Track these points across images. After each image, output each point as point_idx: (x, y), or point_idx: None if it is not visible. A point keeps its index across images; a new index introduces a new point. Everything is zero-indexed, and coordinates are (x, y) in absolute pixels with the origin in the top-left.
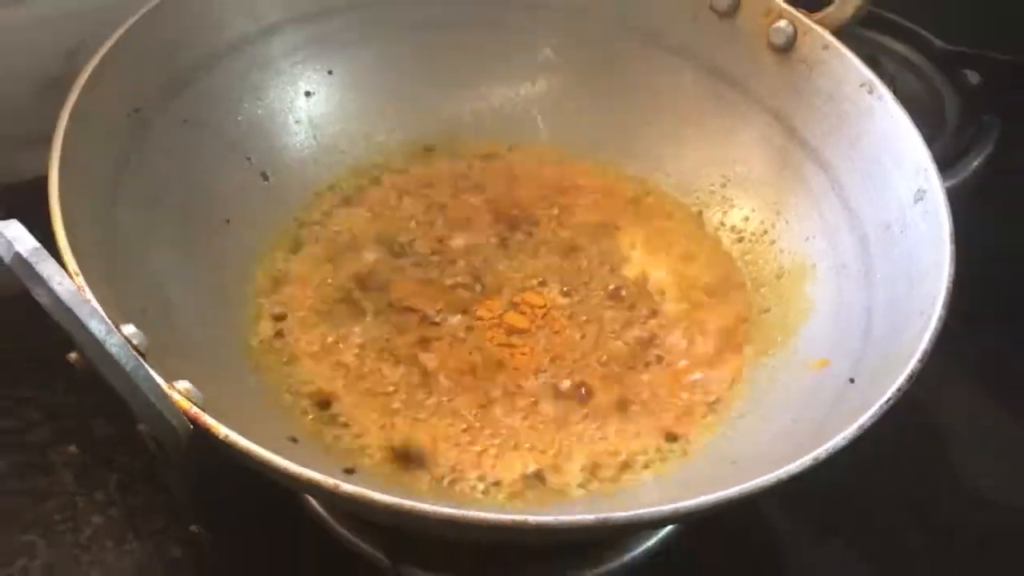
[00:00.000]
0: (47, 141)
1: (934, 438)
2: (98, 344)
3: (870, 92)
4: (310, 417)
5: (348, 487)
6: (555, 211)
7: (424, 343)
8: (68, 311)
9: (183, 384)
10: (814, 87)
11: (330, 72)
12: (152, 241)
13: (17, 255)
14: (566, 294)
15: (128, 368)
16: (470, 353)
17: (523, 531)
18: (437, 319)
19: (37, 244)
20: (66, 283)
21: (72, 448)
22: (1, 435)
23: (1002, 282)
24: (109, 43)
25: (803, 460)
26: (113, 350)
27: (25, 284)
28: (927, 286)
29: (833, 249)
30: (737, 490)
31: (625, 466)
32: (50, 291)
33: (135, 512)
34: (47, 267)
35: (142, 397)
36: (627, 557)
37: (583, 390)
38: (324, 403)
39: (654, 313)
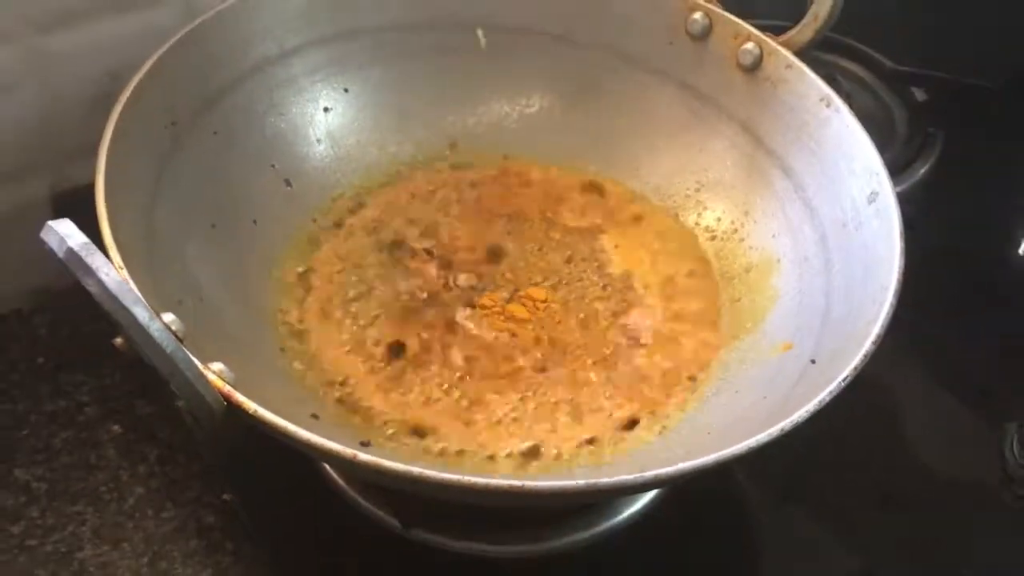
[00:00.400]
0: (94, 153)
1: (884, 415)
2: (141, 329)
3: (828, 106)
4: (330, 397)
5: (365, 456)
6: (547, 216)
7: (435, 331)
8: (114, 299)
9: (217, 365)
10: (778, 101)
11: (346, 90)
12: (187, 240)
13: (69, 249)
14: (558, 289)
15: (168, 350)
16: (477, 340)
17: (519, 495)
18: (446, 310)
19: (86, 239)
20: (112, 274)
21: (116, 427)
22: (55, 415)
23: (946, 275)
24: (147, 65)
25: (770, 431)
26: (155, 334)
27: (76, 275)
28: (880, 277)
29: (796, 245)
30: (712, 458)
31: (613, 440)
32: (99, 281)
33: (173, 483)
34: (96, 259)
35: (180, 376)
36: (613, 522)
37: (576, 373)
38: (342, 384)
39: (637, 304)
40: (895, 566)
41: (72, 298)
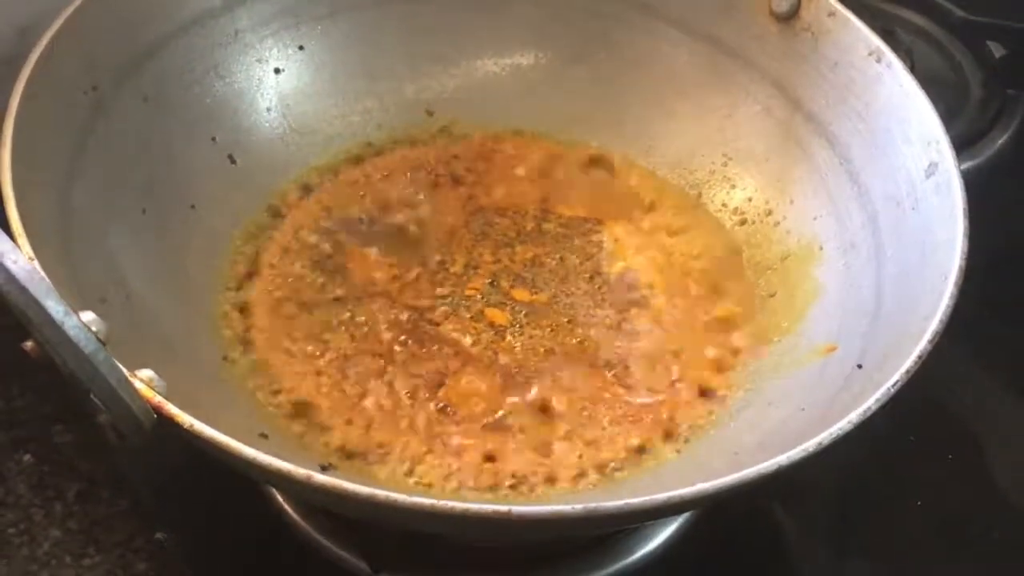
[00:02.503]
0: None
1: (951, 434)
2: (55, 325)
3: (878, 60)
4: (281, 414)
5: (321, 478)
6: (539, 201)
7: (403, 342)
8: (23, 290)
9: (146, 372)
10: (819, 56)
11: (301, 47)
12: (112, 226)
13: None
14: (548, 290)
15: (87, 351)
16: (451, 350)
17: (505, 524)
18: (417, 315)
19: None
20: (21, 260)
21: (27, 457)
22: None
23: (1009, 269)
24: (62, 18)
25: (805, 446)
26: (71, 332)
27: None
28: (939, 264)
29: (841, 228)
30: (733, 478)
31: (622, 462)
32: (3, 269)
33: (96, 523)
34: (0, 244)
35: (102, 383)
36: (621, 565)
37: (575, 391)
38: (296, 400)
39: (645, 306)
40: None
41: None
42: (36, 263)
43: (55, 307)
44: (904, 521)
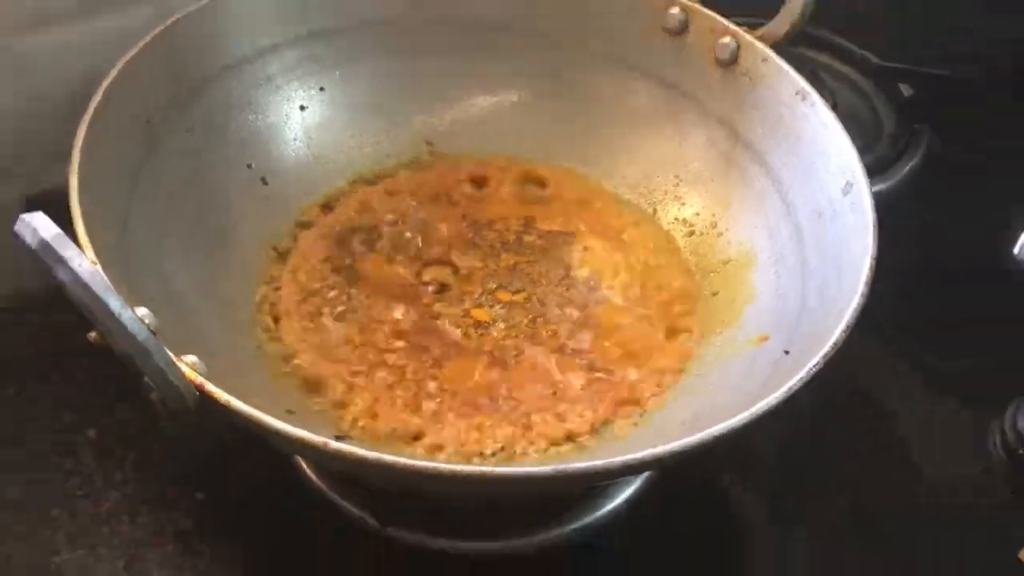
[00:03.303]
0: (70, 156)
1: (869, 416)
2: (114, 318)
3: (803, 99)
4: (306, 396)
5: (336, 444)
6: (522, 214)
7: (408, 334)
8: (87, 288)
9: (190, 357)
10: (755, 96)
11: (322, 89)
12: (164, 239)
13: (42, 240)
14: (526, 291)
15: (141, 338)
16: (448, 343)
17: (490, 482)
18: (419, 312)
19: (59, 230)
20: (85, 264)
21: (92, 432)
22: (32, 421)
23: (931, 273)
24: (119, 65)
25: (740, 417)
26: (127, 323)
27: (49, 267)
28: (853, 269)
29: (773, 238)
30: (680, 444)
31: (591, 433)
32: (71, 271)
33: (148, 487)
34: (68, 250)
35: (153, 366)
36: (588, 520)
37: (549, 374)
38: (315, 384)
39: (608, 302)
40: (877, 559)
41: (47, 302)
42: (98, 266)
43: (113, 302)
44: (831, 486)
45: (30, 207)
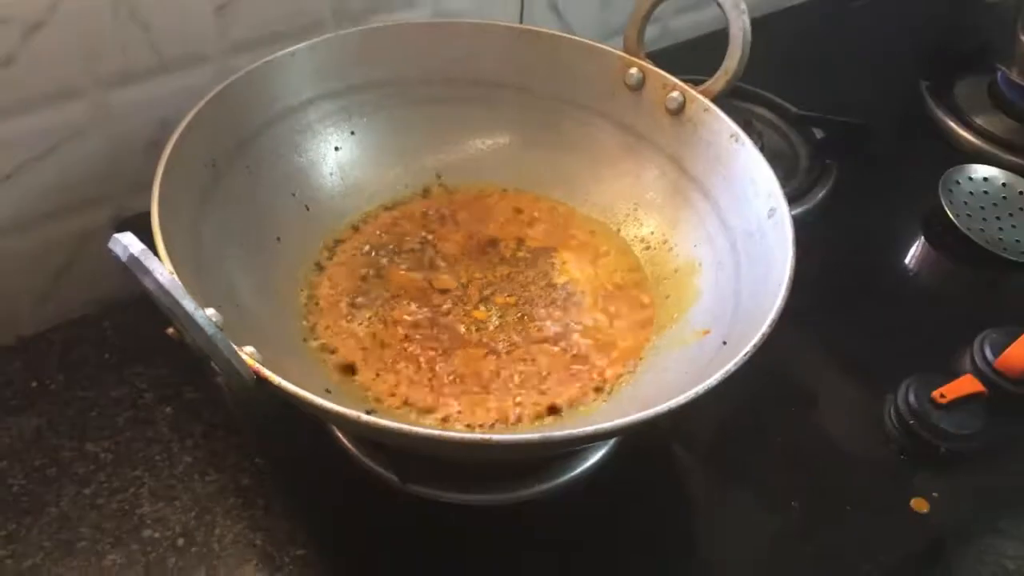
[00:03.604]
0: (151, 187)
1: (790, 394)
2: (189, 316)
3: (736, 141)
4: (342, 378)
5: (368, 417)
6: (513, 233)
7: (421, 328)
8: (168, 294)
9: (248, 348)
10: (698, 138)
11: (353, 133)
12: (226, 254)
13: (131, 255)
14: (517, 295)
15: (210, 333)
16: (453, 335)
17: (489, 447)
18: (430, 311)
19: (144, 247)
20: (166, 274)
21: (168, 409)
22: (119, 400)
23: (840, 279)
24: (189, 116)
25: (686, 394)
26: (200, 320)
27: (137, 276)
28: (777, 275)
29: (713, 252)
30: (640, 415)
31: (568, 407)
32: (155, 280)
33: (215, 453)
34: (152, 263)
35: (220, 355)
36: (569, 476)
37: (534, 361)
38: (348, 369)
39: (582, 304)
40: (798, 508)
41: (132, 306)
42: (175, 276)
43: (189, 304)
44: (764, 452)
45: (118, 228)
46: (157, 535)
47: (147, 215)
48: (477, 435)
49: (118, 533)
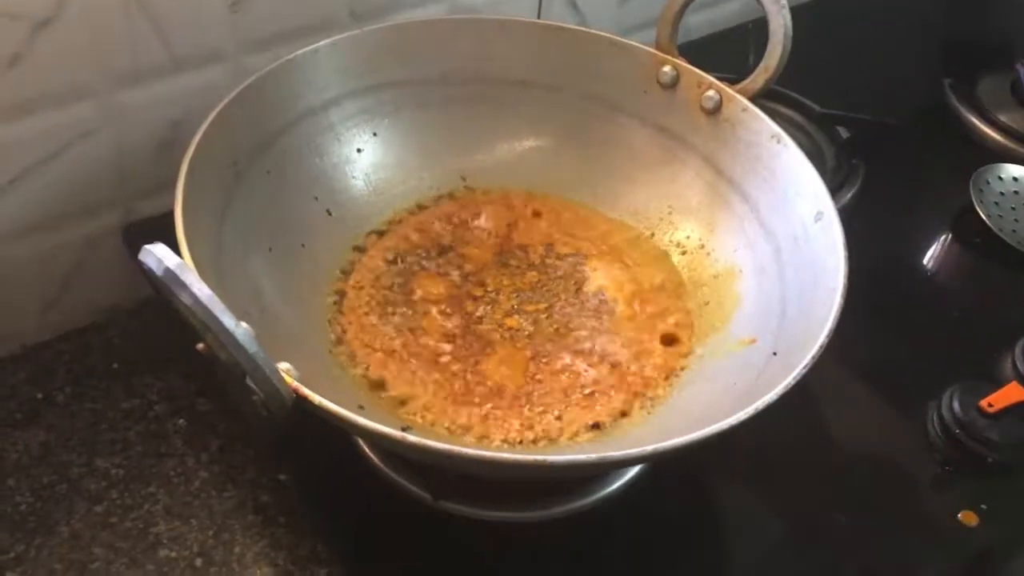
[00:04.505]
0: (159, 190)
1: (820, 400)
2: (229, 334)
3: (778, 142)
4: (369, 390)
5: (412, 438)
6: (541, 239)
7: (453, 337)
8: (206, 310)
9: (284, 365)
10: (736, 139)
11: (375, 134)
12: (249, 261)
13: (167, 268)
14: (546, 302)
15: (251, 351)
16: (483, 342)
17: (541, 468)
18: (462, 320)
19: (180, 260)
20: (204, 289)
21: (182, 421)
22: (129, 412)
23: (870, 282)
24: (211, 116)
25: (746, 410)
26: (240, 339)
27: (171, 290)
28: (828, 282)
29: (754, 257)
30: (698, 435)
31: (612, 422)
32: (192, 295)
33: (232, 468)
34: (189, 277)
35: (260, 373)
36: (604, 493)
37: (572, 372)
38: (378, 382)
39: (618, 312)
40: (841, 524)
41: (140, 313)
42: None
43: (228, 321)
44: (800, 466)
45: (125, 235)
46: (174, 555)
47: (156, 219)
48: (531, 456)
49: (133, 553)
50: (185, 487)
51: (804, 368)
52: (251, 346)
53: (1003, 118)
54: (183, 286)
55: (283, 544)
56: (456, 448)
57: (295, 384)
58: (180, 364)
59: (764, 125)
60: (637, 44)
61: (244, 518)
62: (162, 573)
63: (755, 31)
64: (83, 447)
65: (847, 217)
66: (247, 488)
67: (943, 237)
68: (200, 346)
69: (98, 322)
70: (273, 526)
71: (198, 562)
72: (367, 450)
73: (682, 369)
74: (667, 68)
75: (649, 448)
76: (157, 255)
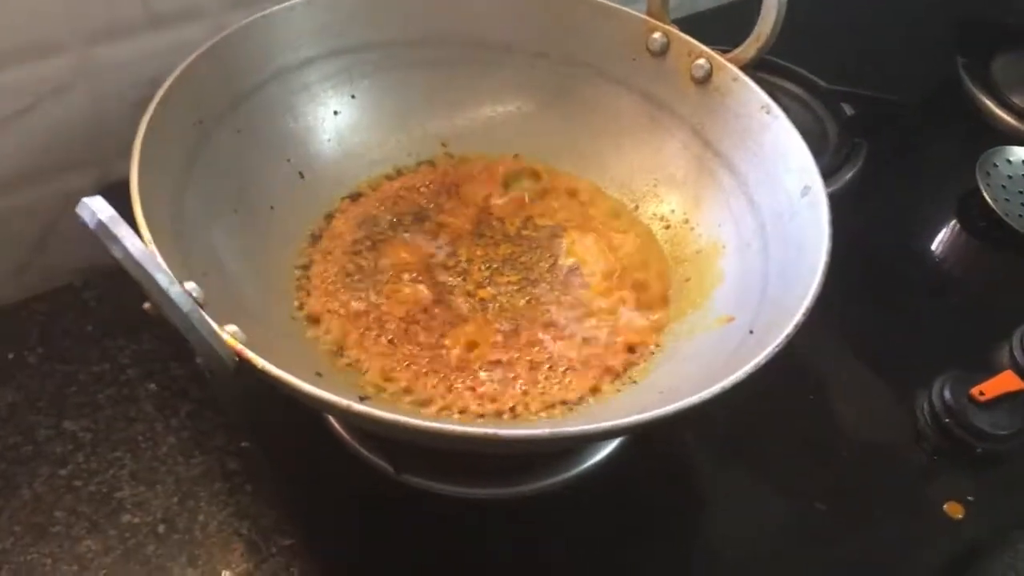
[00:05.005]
0: None
1: (813, 385)
2: (162, 292)
3: (768, 113)
4: (334, 360)
5: (359, 407)
6: (520, 209)
7: (420, 307)
8: (139, 266)
9: (231, 327)
10: (725, 109)
11: (353, 96)
12: (213, 222)
13: (99, 221)
14: (520, 274)
15: (185, 310)
16: (456, 317)
17: (495, 442)
18: (432, 290)
19: (114, 212)
20: (138, 243)
21: (153, 386)
22: (100, 375)
23: (868, 264)
24: (176, 72)
25: (712, 389)
26: (174, 296)
27: (105, 244)
28: (810, 259)
29: (739, 232)
30: (661, 411)
31: (580, 398)
32: (124, 249)
33: (201, 434)
34: (122, 230)
35: (197, 335)
36: (577, 471)
37: (542, 346)
38: (339, 350)
39: (596, 287)
40: (823, 510)
41: (117, 276)
42: (152, 245)
43: (162, 278)
44: (785, 447)
45: (105, 195)
46: (136, 520)
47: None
48: (481, 429)
49: (95, 518)
50: (152, 452)
51: (777, 347)
52: (186, 304)
53: (1017, 100)
54: (115, 240)
55: (248, 513)
56: (408, 419)
57: (238, 347)
58: (154, 328)
59: (754, 95)
60: (628, 9)
61: (211, 485)
62: (123, 538)
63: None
64: (51, 409)
65: (846, 197)
66: (215, 455)
67: (947, 221)
68: (147, 305)
69: (74, 283)
70: (239, 494)
71: (161, 528)
72: (333, 421)
73: (656, 346)
74: (657, 35)
75: (606, 425)
76: (92, 207)
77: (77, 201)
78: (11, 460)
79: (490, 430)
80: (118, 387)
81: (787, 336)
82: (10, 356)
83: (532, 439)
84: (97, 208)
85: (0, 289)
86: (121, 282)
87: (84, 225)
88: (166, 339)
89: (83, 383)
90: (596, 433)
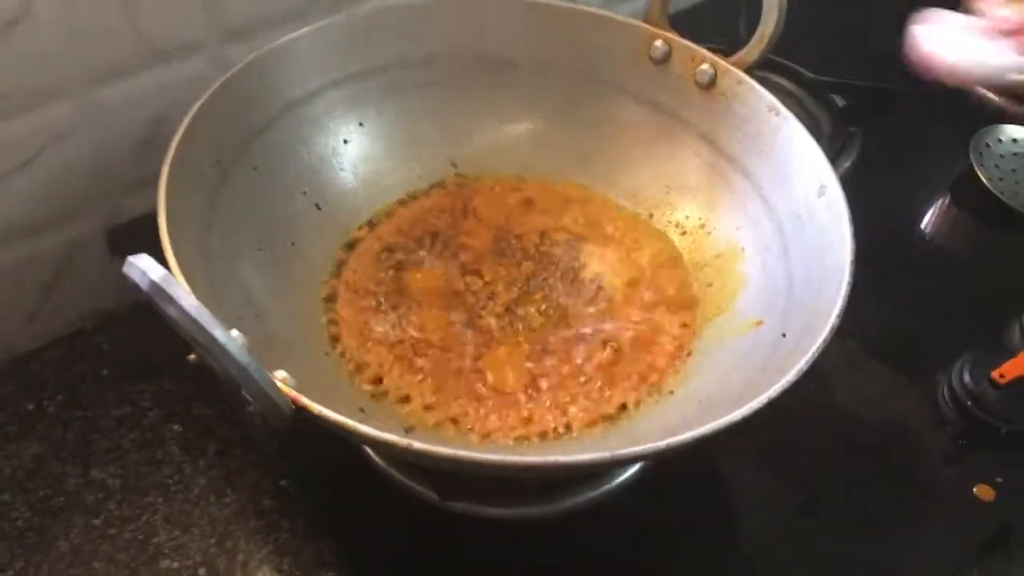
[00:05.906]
0: (141, 188)
1: (824, 376)
2: (220, 347)
3: (776, 114)
4: (369, 391)
5: (418, 444)
6: (537, 225)
7: (450, 330)
8: (195, 323)
9: (281, 373)
10: (733, 113)
11: (361, 124)
12: (239, 262)
13: (152, 282)
14: (543, 291)
15: (244, 363)
16: (484, 336)
17: (550, 468)
18: (457, 310)
19: (165, 271)
20: (192, 301)
21: (177, 427)
22: (122, 420)
23: (871, 252)
24: (192, 111)
25: (760, 399)
26: (233, 351)
27: (158, 303)
28: (834, 259)
29: (757, 235)
30: (718, 423)
31: (621, 412)
32: (180, 308)
33: (231, 473)
34: (176, 290)
35: (255, 385)
36: (611, 485)
37: (576, 363)
38: (377, 382)
39: (620, 297)
40: (849, 501)
41: (127, 318)
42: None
43: (220, 334)
44: (811, 442)
45: (109, 237)
46: (176, 565)
47: (140, 220)
48: (540, 458)
49: (134, 565)
50: (184, 495)
51: (816, 351)
52: (244, 358)
53: None
54: (170, 299)
55: (288, 549)
56: (465, 453)
57: (293, 394)
58: (172, 368)
59: (761, 98)
60: (627, 19)
61: (246, 524)
62: None
63: None
64: (77, 458)
65: (846, 186)
66: (247, 493)
67: (944, 203)
68: (191, 357)
69: (86, 328)
70: (277, 531)
71: (201, 571)
72: (369, 451)
73: (688, 354)
74: (659, 43)
75: (662, 444)
76: (141, 268)
77: (84, 246)
78: (43, 513)
79: (550, 458)
80: (142, 431)
81: (825, 339)
82: (30, 407)
83: (586, 464)
84: (147, 268)
85: (13, 339)
86: (134, 324)
87: (134, 285)
88: (186, 379)
89: (105, 429)
90: (653, 453)
